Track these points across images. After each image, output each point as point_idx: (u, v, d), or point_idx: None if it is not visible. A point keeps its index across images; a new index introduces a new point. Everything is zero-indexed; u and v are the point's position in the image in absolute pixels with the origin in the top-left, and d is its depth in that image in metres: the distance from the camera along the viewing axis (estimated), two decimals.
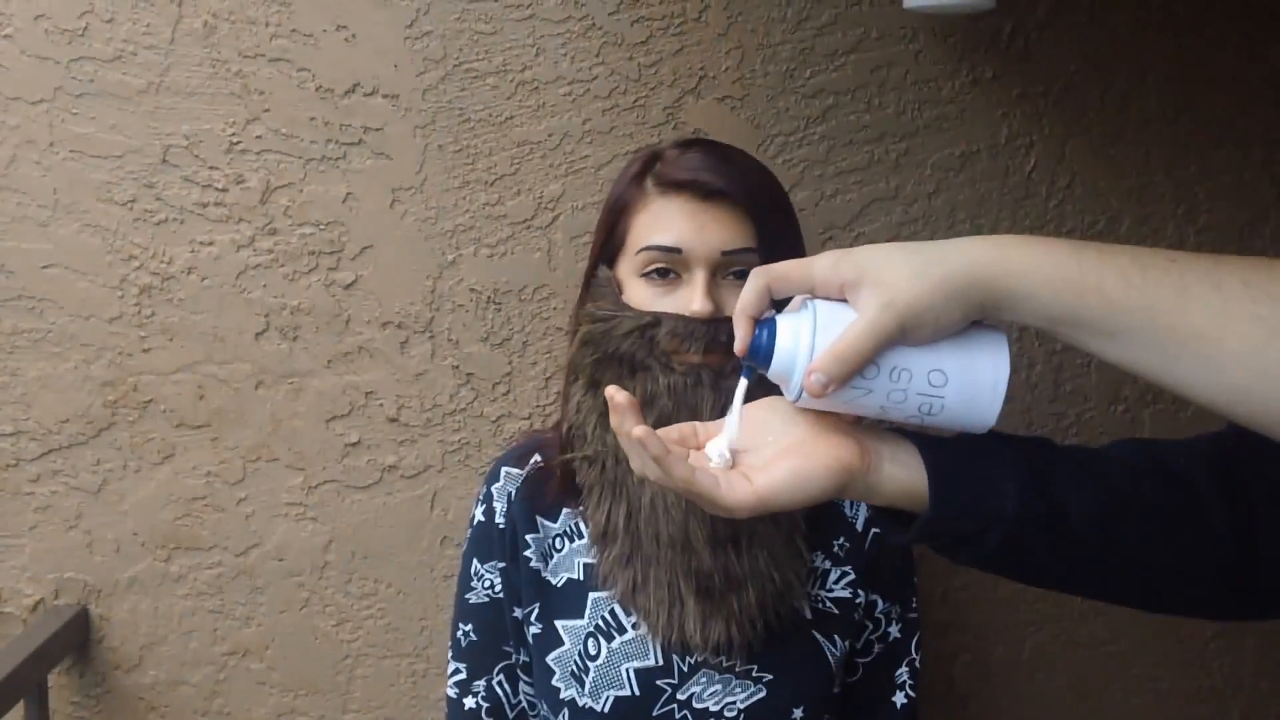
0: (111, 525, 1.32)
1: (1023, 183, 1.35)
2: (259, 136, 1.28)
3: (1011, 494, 0.76)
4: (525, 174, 1.30)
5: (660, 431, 0.74)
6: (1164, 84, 1.35)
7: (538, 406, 1.33)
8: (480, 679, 1.12)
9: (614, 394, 0.72)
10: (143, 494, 1.32)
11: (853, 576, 1.10)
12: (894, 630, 1.12)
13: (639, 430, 0.69)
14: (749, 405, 0.78)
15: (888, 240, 1.34)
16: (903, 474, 0.76)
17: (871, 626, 1.12)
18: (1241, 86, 1.36)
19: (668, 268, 1.04)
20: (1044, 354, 1.38)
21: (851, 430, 0.76)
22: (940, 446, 0.78)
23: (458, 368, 1.32)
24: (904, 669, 1.13)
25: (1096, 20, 1.33)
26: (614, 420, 0.72)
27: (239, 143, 1.28)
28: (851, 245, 1.32)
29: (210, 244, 1.29)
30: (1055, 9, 1.33)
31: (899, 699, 1.13)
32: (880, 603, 1.11)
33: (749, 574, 1.02)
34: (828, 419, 0.76)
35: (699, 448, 0.76)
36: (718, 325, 1.02)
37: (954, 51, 1.32)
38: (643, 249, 1.04)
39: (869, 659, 1.12)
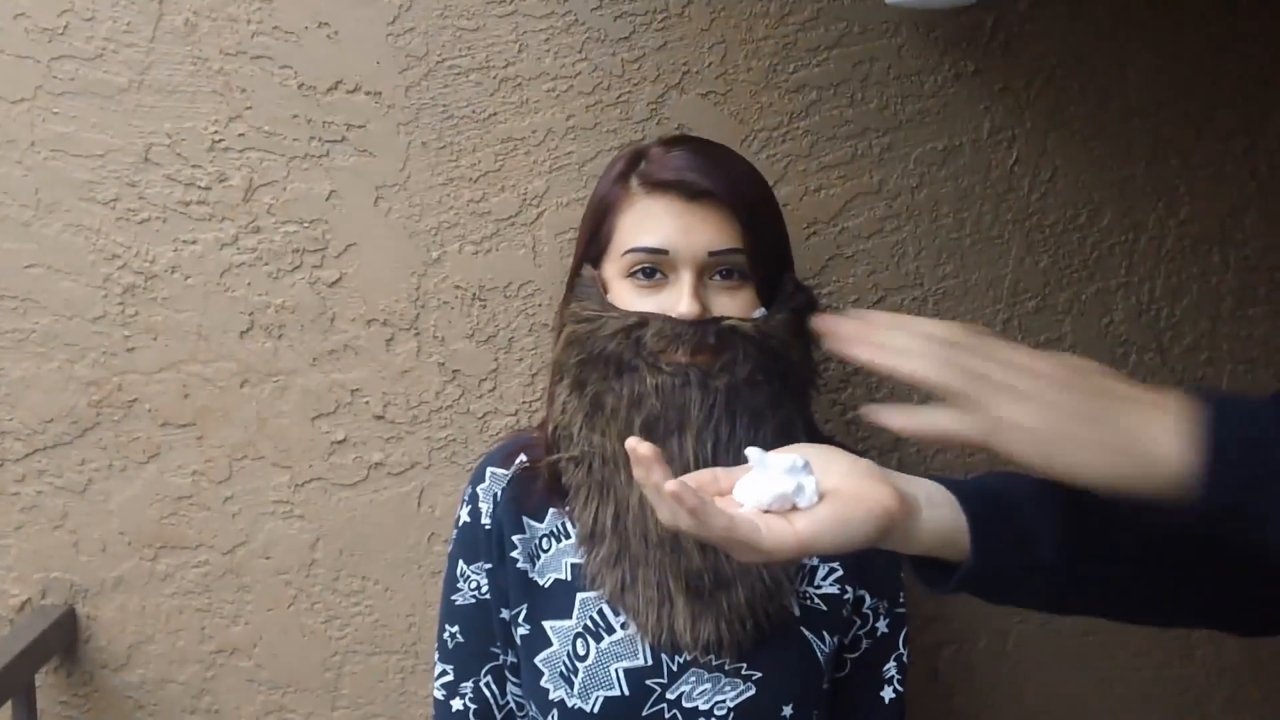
0: (98, 525, 1.32)
1: (1005, 176, 1.36)
2: (241, 134, 1.27)
3: (1051, 537, 0.74)
4: (509, 170, 1.30)
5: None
6: (1145, 78, 1.36)
7: (524, 403, 1.33)
8: (468, 680, 1.12)
9: (635, 446, 0.68)
10: (129, 493, 1.32)
11: (840, 573, 1.10)
12: (882, 626, 1.13)
13: (672, 485, 0.66)
14: (777, 450, 0.74)
15: (870, 234, 1.34)
16: (940, 521, 0.74)
17: (860, 622, 1.12)
18: (1222, 80, 1.37)
19: (654, 268, 1.04)
20: None
21: (885, 477, 0.74)
22: (977, 492, 0.76)
23: (443, 364, 1.32)
24: (892, 664, 1.14)
25: (1078, 14, 1.34)
26: (638, 474, 0.68)
27: (221, 141, 1.27)
28: (835, 239, 1.34)
29: (194, 242, 1.29)
30: (1036, 3, 1.33)
31: (887, 694, 1.13)
32: (868, 598, 1.12)
33: (738, 572, 1.02)
34: (862, 465, 0.74)
35: (721, 494, 0.72)
36: (705, 326, 1.02)
37: (936, 46, 1.33)
38: (628, 250, 1.04)
39: (857, 655, 1.13)
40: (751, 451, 0.71)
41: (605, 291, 1.06)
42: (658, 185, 1.05)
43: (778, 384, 1.04)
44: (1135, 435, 0.67)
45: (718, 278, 1.04)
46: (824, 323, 0.73)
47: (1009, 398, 0.68)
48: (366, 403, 1.32)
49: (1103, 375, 0.70)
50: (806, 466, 0.70)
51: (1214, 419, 0.66)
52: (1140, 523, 0.77)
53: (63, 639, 1.31)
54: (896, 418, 0.71)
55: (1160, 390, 0.69)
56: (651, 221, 1.04)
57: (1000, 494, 0.77)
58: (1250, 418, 0.66)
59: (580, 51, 1.29)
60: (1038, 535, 0.75)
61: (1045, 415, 0.68)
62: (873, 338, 0.71)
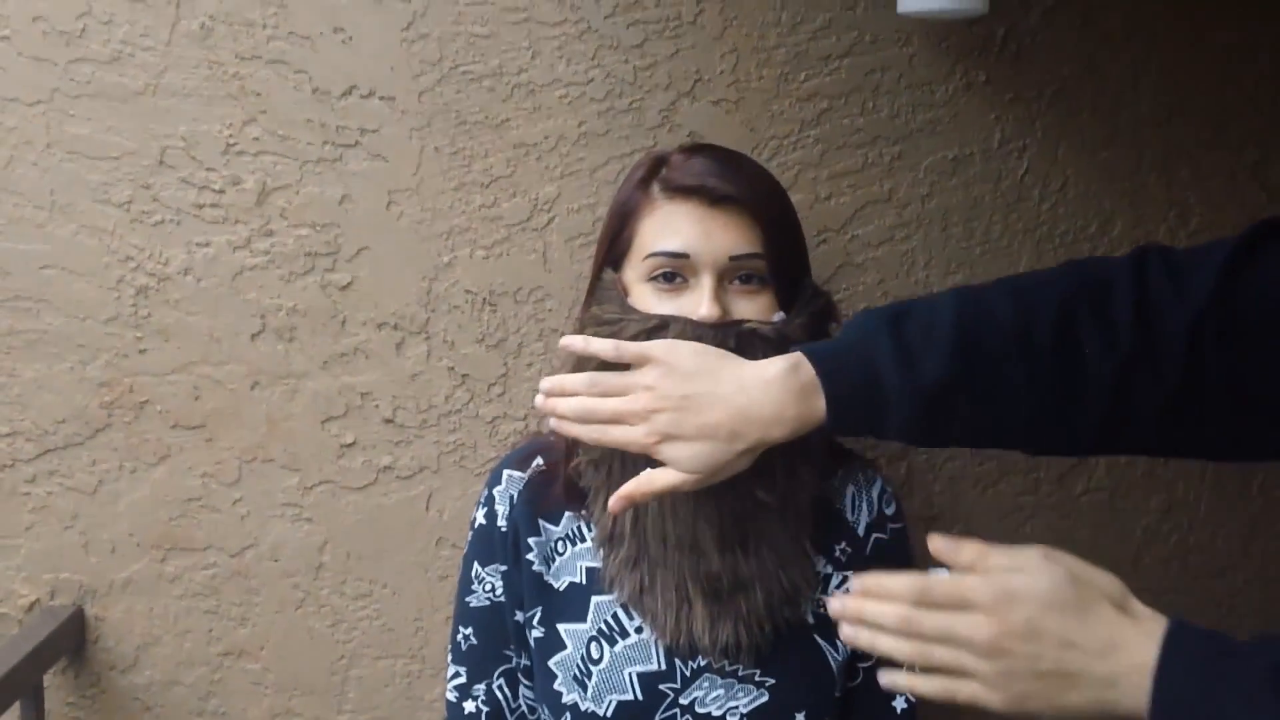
0: (107, 526, 1.32)
1: (1015, 186, 1.36)
2: (255, 138, 1.28)
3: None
4: (521, 176, 1.31)
5: None
6: (1156, 88, 1.36)
7: (533, 408, 1.33)
8: (480, 683, 1.12)
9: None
10: (138, 495, 1.32)
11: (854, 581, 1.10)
12: None
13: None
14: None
15: (880, 243, 1.35)
16: None
17: None
18: (1233, 90, 1.37)
19: (674, 272, 1.04)
20: None
21: None
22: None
23: (453, 369, 1.33)
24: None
25: (1089, 25, 1.34)
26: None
27: (235, 144, 1.28)
28: (845, 247, 1.34)
29: (206, 245, 1.29)
30: (1048, 13, 1.34)
31: (899, 703, 1.13)
32: None
33: (757, 576, 1.03)
34: None
35: None
36: (725, 329, 1.02)
37: (947, 56, 1.33)
38: (650, 254, 1.05)
39: (869, 663, 1.12)
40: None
41: (626, 295, 1.07)
42: (679, 190, 1.06)
43: None
44: (1086, 708, 0.76)
45: (737, 282, 1.05)
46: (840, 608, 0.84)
47: (964, 677, 0.78)
48: (376, 406, 1.33)
49: (1061, 619, 0.76)
50: None
51: (1164, 687, 0.73)
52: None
53: (71, 640, 1.32)
54: (900, 680, 0.82)
55: (1118, 639, 0.76)
56: (673, 226, 1.05)
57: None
58: (1205, 683, 0.73)
59: (593, 58, 1.30)
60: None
61: (996, 693, 0.77)
62: (861, 613, 0.81)
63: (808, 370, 0.93)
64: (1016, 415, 0.93)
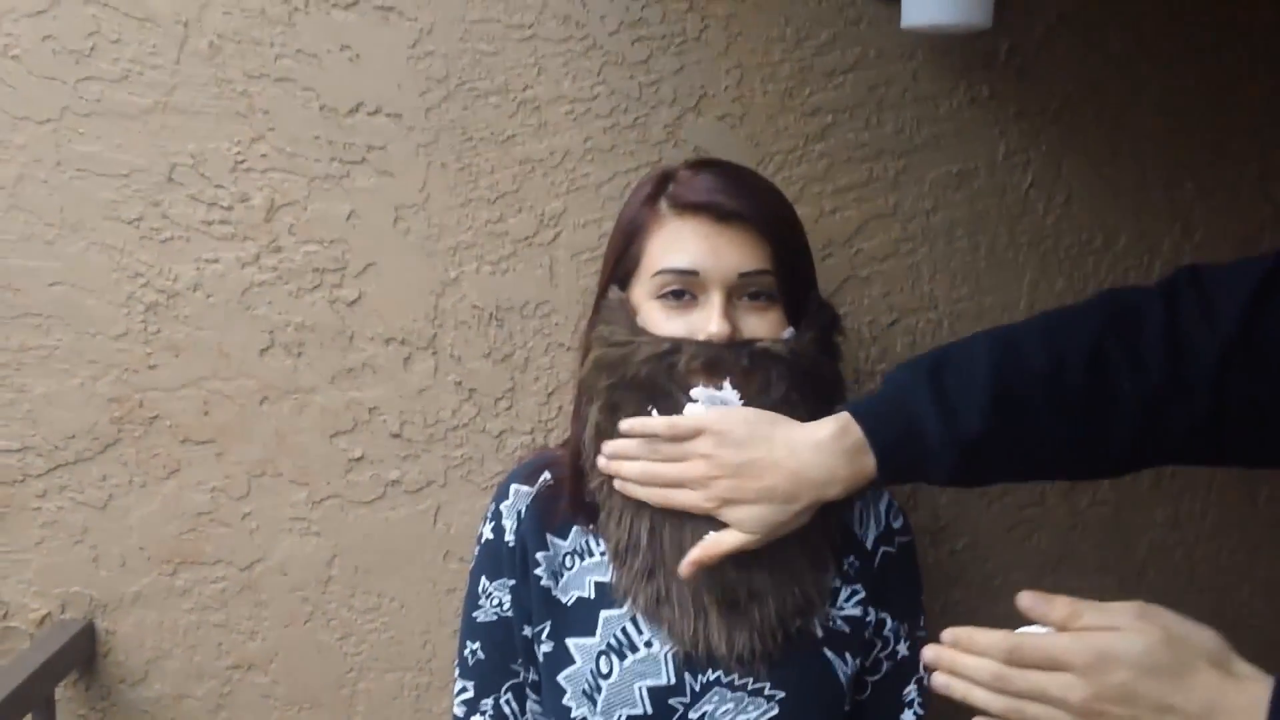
0: (117, 540, 1.33)
1: (1020, 200, 1.37)
2: (264, 155, 1.29)
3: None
4: (527, 192, 1.31)
5: None
6: (1160, 102, 1.37)
7: (540, 422, 1.34)
8: (488, 697, 1.12)
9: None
10: (148, 509, 1.33)
11: (863, 594, 1.11)
12: (902, 649, 1.13)
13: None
14: None
15: (885, 256, 1.35)
16: None
17: (881, 645, 1.12)
18: (1236, 104, 1.38)
19: (683, 289, 1.05)
20: None
21: None
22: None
23: (460, 383, 1.33)
24: (912, 687, 1.14)
25: (1093, 39, 1.35)
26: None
27: (244, 161, 1.29)
28: (850, 261, 1.34)
29: (215, 261, 1.30)
30: (1052, 28, 1.34)
31: (908, 717, 1.13)
32: (889, 621, 1.12)
33: (772, 586, 1.03)
34: None
35: None
36: (739, 350, 1.03)
37: (952, 70, 1.34)
38: (659, 271, 1.05)
39: (878, 677, 1.13)
40: None
41: (634, 314, 1.07)
42: (687, 207, 1.06)
43: (811, 403, 1.05)
44: None
45: (746, 298, 1.05)
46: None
47: None
48: (384, 421, 1.33)
49: (1158, 682, 0.73)
50: None
51: None
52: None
53: (82, 653, 1.32)
54: None
55: (1218, 702, 0.72)
56: (681, 243, 1.05)
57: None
58: None
59: (598, 75, 1.30)
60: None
61: None
62: (955, 665, 0.80)
63: (856, 431, 0.97)
64: (1053, 455, 0.97)
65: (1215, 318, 0.92)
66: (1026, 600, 0.79)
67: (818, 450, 0.97)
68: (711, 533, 1.01)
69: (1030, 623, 0.79)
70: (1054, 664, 0.76)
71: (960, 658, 0.80)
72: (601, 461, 1.06)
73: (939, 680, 0.81)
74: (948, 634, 0.81)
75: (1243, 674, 0.73)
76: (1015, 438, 0.95)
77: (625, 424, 1.04)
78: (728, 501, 1.00)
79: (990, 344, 0.98)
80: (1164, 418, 0.93)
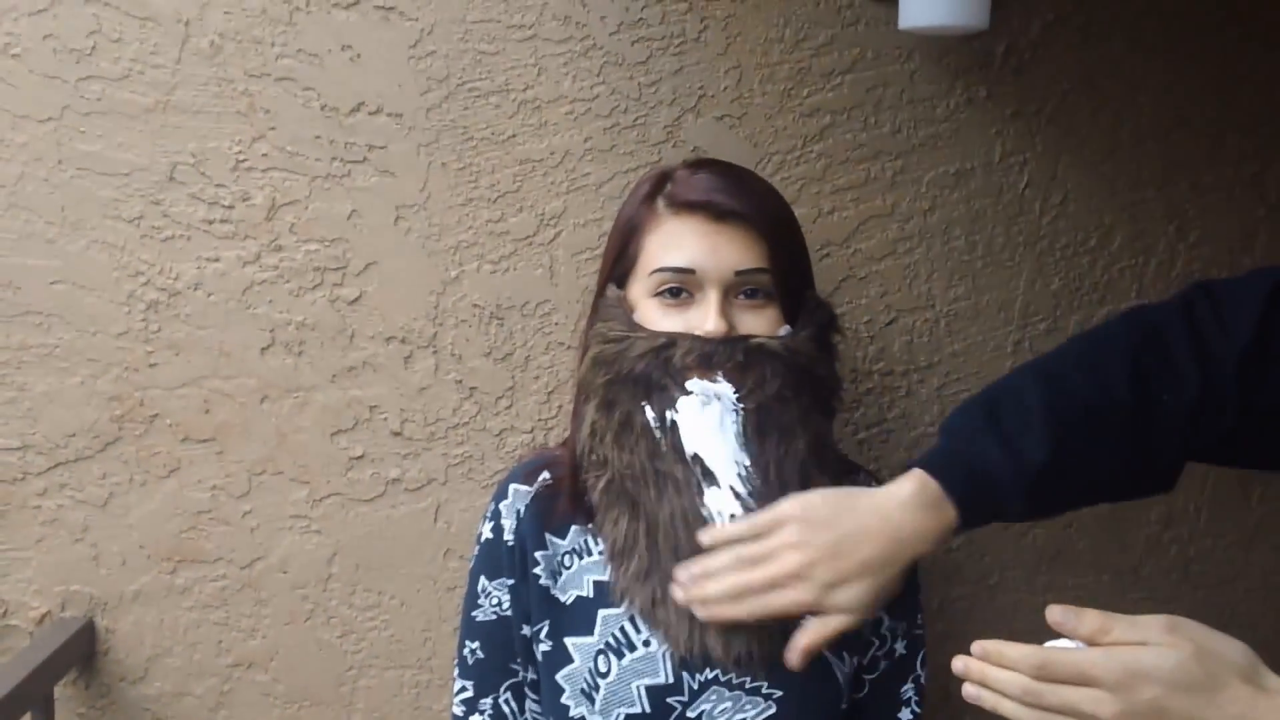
0: (117, 538, 1.34)
1: (1016, 199, 1.38)
2: (265, 154, 1.30)
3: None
4: (527, 191, 1.32)
5: None
6: (1156, 102, 1.38)
7: (540, 420, 1.35)
8: (487, 697, 1.12)
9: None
10: (148, 507, 1.33)
11: None
12: (900, 647, 1.14)
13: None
14: None
15: (883, 256, 1.36)
16: None
17: (878, 644, 1.13)
18: (1232, 104, 1.39)
19: (680, 287, 1.05)
20: None
21: None
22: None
23: (461, 382, 1.34)
24: (909, 685, 1.14)
25: (1088, 40, 1.36)
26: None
27: (245, 160, 1.30)
28: (848, 261, 1.35)
29: (216, 260, 1.31)
30: (1048, 29, 1.35)
31: (905, 715, 1.14)
32: (886, 620, 1.12)
33: None
34: None
35: None
36: (733, 345, 1.03)
37: (948, 71, 1.35)
38: (656, 270, 1.06)
39: (875, 676, 1.13)
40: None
41: (631, 312, 1.07)
42: (685, 206, 1.06)
43: (805, 400, 1.05)
44: None
45: (743, 297, 1.06)
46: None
47: None
48: (384, 419, 1.34)
49: (1188, 698, 0.73)
50: None
51: None
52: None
53: (81, 651, 1.33)
54: None
55: (1249, 717, 0.72)
56: (678, 241, 1.06)
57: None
58: None
59: (598, 75, 1.31)
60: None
61: None
62: (985, 677, 0.80)
63: (932, 484, 0.98)
64: (1109, 476, 1.00)
65: (1230, 324, 0.95)
66: (1056, 614, 0.78)
67: (904, 509, 0.97)
68: (812, 619, 0.99)
69: (1058, 636, 0.79)
70: (1084, 679, 0.75)
71: (990, 670, 0.79)
72: (678, 593, 1.00)
73: (969, 691, 0.80)
74: (977, 647, 0.81)
75: (1273, 688, 0.73)
76: (1075, 465, 0.97)
77: (705, 536, 1.01)
78: (831, 586, 0.97)
79: (1033, 377, 1.01)
80: (1202, 426, 0.96)
